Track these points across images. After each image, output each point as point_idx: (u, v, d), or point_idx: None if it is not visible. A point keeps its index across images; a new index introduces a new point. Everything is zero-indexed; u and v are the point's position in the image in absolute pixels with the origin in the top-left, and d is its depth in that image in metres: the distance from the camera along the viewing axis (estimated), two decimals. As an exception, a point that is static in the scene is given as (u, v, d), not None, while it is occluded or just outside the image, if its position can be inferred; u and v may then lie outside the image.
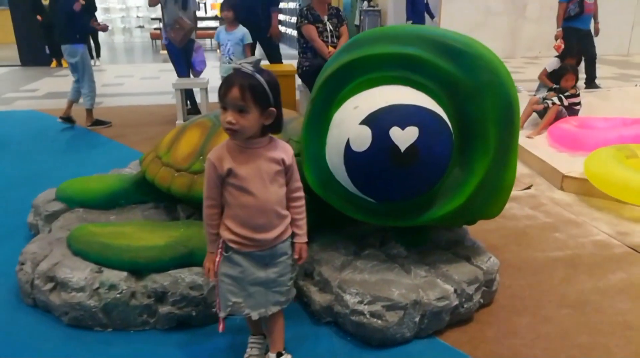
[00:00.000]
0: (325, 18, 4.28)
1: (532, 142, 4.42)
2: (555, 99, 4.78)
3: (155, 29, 13.31)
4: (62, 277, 2.05)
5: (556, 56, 6.10)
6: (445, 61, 1.92)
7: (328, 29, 4.27)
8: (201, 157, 2.36)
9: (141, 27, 15.26)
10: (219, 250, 1.65)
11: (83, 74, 5.31)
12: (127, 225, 2.36)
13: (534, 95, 5.61)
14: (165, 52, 12.77)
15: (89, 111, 5.42)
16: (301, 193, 1.70)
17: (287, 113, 2.52)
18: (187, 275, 2.04)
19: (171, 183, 2.41)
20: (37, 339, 1.99)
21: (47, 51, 10.29)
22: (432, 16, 9.91)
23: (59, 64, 10.24)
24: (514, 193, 3.54)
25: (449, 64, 1.92)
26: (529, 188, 3.66)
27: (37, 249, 2.26)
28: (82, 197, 2.69)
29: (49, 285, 2.10)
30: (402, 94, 1.92)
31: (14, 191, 3.51)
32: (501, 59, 2.03)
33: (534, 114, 4.93)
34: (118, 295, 2.00)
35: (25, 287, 2.18)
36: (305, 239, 1.72)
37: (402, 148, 1.83)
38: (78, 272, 2.05)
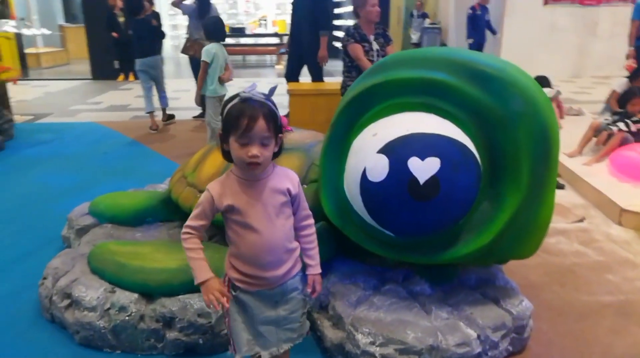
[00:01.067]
0: (372, 37, 4.18)
1: (590, 170, 4.09)
2: (622, 125, 4.41)
3: (217, 45, 13.74)
4: (77, 295, 2.06)
5: (625, 77, 5.67)
6: (474, 87, 1.77)
7: (374, 48, 4.17)
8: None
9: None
10: (226, 289, 1.52)
11: (162, 80, 6.23)
12: (145, 245, 2.36)
13: (598, 118, 5.22)
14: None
15: (165, 110, 6.36)
16: (311, 221, 1.59)
17: (311, 136, 2.45)
18: (197, 301, 1.99)
19: (193, 203, 2.37)
20: (46, 356, 2.00)
21: (117, 66, 10.84)
22: (493, 32, 9.60)
23: (126, 78, 10.77)
24: (563, 225, 3.27)
25: (479, 91, 1.77)
26: (581, 220, 3.36)
27: (60, 264, 2.29)
28: (112, 213, 2.72)
29: (65, 302, 2.12)
30: (424, 122, 1.79)
31: (58, 202, 3.64)
32: (539, 86, 1.86)
33: (594, 140, 4.56)
34: (127, 318, 1.98)
35: (45, 302, 2.21)
36: (318, 270, 1.58)
37: (421, 179, 1.69)
38: (92, 291, 2.05)
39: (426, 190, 1.70)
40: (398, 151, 1.72)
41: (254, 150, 1.36)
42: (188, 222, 1.48)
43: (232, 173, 1.47)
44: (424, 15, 12.58)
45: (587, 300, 2.44)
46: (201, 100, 4.68)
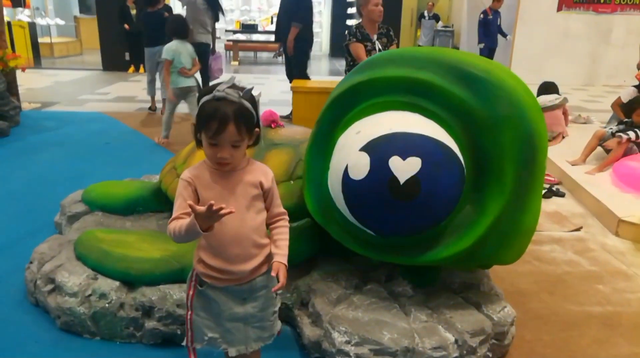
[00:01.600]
0: (375, 37, 4.16)
1: (592, 179, 4.04)
2: (631, 134, 4.33)
3: (228, 40, 13.77)
4: (59, 280, 2.07)
5: (634, 86, 5.59)
6: (460, 88, 1.75)
7: (377, 47, 4.15)
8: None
9: (217, 38, 15.86)
10: (192, 283, 1.52)
11: None
12: (131, 234, 2.37)
13: (604, 127, 5.16)
14: (236, 62, 13.22)
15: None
16: (284, 218, 1.56)
17: (302, 132, 2.44)
18: (176, 292, 1.99)
19: (181, 195, 2.38)
20: (27, 339, 2.02)
21: (127, 58, 10.92)
22: (504, 35, 9.53)
23: (136, 70, 10.83)
24: (559, 234, 3.24)
25: (464, 92, 1.75)
26: (578, 229, 3.32)
27: (47, 249, 2.31)
28: (103, 201, 2.73)
29: (49, 287, 2.13)
30: (408, 121, 1.77)
31: (56, 188, 3.65)
32: (530, 89, 1.84)
33: (599, 149, 4.51)
34: (107, 305, 1.99)
35: (30, 286, 2.22)
36: (283, 260, 1.50)
37: (402, 179, 1.68)
38: (74, 277, 2.06)
39: (406, 190, 1.68)
40: (379, 149, 1.71)
41: (223, 153, 1.36)
42: (174, 214, 1.41)
43: (206, 163, 1.46)
44: (435, 17, 12.49)
45: (574, 309, 2.41)
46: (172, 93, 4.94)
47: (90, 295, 2.01)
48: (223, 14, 6.68)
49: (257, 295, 1.53)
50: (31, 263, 2.28)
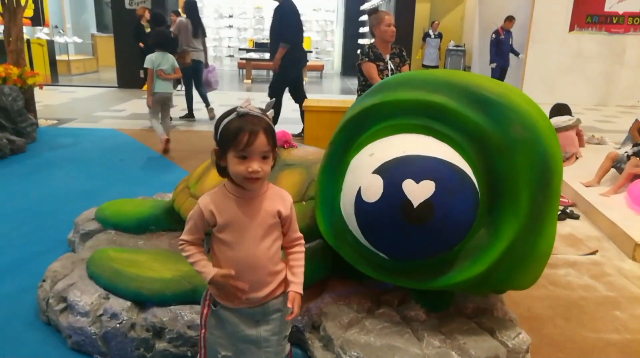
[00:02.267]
0: (387, 57, 4.18)
1: (607, 201, 3.98)
2: None
3: (241, 59, 13.94)
4: (72, 299, 2.07)
5: (649, 108, 5.54)
6: (474, 111, 1.75)
7: (389, 67, 4.18)
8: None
9: (231, 56, 16.08)
10: (207, 302, 1.54)
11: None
12: (143, 253, 2.37)
13: (618, 148, 5.11)
14: (249, 81, 13.38)
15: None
16: (300, 242, 1.57)
17: (315, 153, 2.45)
18: (187, 313, 1.99)
19: (194, 214, 2.39)
20: (36, 358, 2.02)
21: (142, 75, 11.09)
22: (516, 54, 9.54)
23: (151, 87, 10.99)
24: (574, 257, 3.18)
25: (478, 115, 1.74)
26: (593, 253, 3.27)
27: (60, 268, 2.32)
28: (116, 219, 2.75)
29: (61, 306, 2.14)
30: (421, 144, 1.77)
31: (70, 205, 3.70)
32: (544, 113, 1.83)
33: (613, 170, 4.46)
34: (118, 325, 1.99)
35: (42, 304, 2.23)
36: (300, 289, 1.52)
37: (415, 203, 1.66)
38: (86, 296, 2.07)
39: (419, 213, 1.66)
40: (393, 172, 1.70)
41: (255, 165, 1.35)
42: (182, 236, 1.47)
43: (225, 189, 1.45)
44: (440, 36, 12.43)
45: (591, 336, 2.35)
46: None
47: (101, 315, 2.01)
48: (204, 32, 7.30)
49: (270, 318, 1.53)
50: (44, 281, 2.29)
